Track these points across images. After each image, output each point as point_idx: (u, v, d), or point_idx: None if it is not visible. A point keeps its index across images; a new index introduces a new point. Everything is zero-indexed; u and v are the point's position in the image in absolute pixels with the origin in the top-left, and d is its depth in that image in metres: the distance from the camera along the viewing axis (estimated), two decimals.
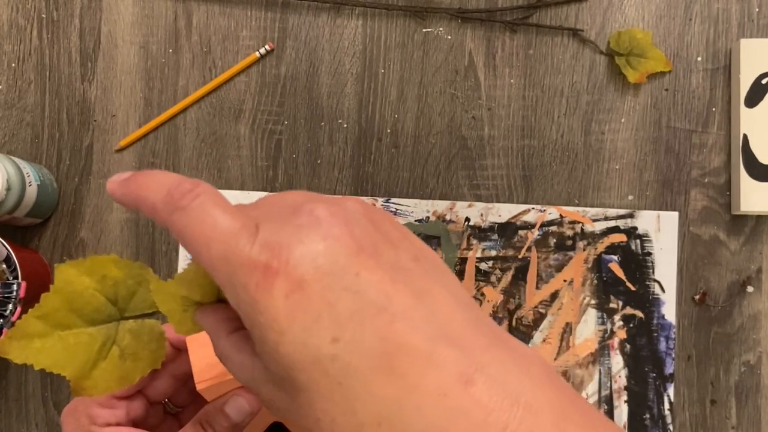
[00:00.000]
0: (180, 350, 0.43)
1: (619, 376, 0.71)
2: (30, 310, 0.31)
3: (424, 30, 0.75)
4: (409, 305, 0.26)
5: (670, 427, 0.71)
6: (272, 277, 0.25)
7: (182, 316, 0.30)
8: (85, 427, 0.41)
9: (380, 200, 0.73)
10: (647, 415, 0.71)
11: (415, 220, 0.73)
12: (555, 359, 0.72)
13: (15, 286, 0.67)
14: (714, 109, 0.74)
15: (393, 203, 0.73)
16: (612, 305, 0.72)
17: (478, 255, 0.73)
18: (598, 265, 0.72)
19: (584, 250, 0.73)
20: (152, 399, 0.43)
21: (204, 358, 0.38)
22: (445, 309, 0.27)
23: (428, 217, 0.73)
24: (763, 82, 0.71)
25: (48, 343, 0.30)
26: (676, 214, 0.73)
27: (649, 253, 0.72)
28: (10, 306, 0.67)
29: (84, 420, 0.41)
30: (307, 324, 0.25)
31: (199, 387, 0.37)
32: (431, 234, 0.73)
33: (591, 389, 0.72)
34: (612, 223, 0.73)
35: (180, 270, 0.73)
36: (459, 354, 0.26)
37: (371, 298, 0.26)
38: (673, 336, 0.72)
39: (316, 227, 0.26)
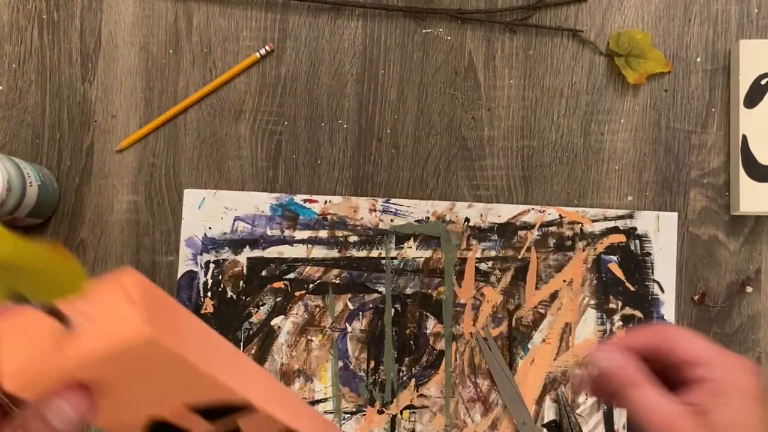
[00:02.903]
0: None
1: None
2: None
3: (424, 31, 0.75)
4: None
5: None
6: None
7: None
8: None
9: (380, 200, 0.73)
10: None
11: (415, 221, 0.73)
12: (554, 359, 0.72)
13: None
14: (713, 109, 0.74)
15: (393, 203, 0.73)
16: (611, 305, 0.72)
17: (478, 255, 0.73)
18: (598, 266, 0.72)
19: (584, 250, 0.73)
20: None
21: (20, 351, 0.30)
22: None
23: (428, 218, 0.73)
24: (763, 82, 0.71)
25: None
26: (675, 214, 0.73)
27: (649, 254, 0.72)
28: None
29: None
30: None
31: (7, 387, 0.30)
32: (431, 234, 0.73)
33: None
34: (611, 224, 0.73)
35: (180, 273, 0.74)
36: None
37: None
38: None
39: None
